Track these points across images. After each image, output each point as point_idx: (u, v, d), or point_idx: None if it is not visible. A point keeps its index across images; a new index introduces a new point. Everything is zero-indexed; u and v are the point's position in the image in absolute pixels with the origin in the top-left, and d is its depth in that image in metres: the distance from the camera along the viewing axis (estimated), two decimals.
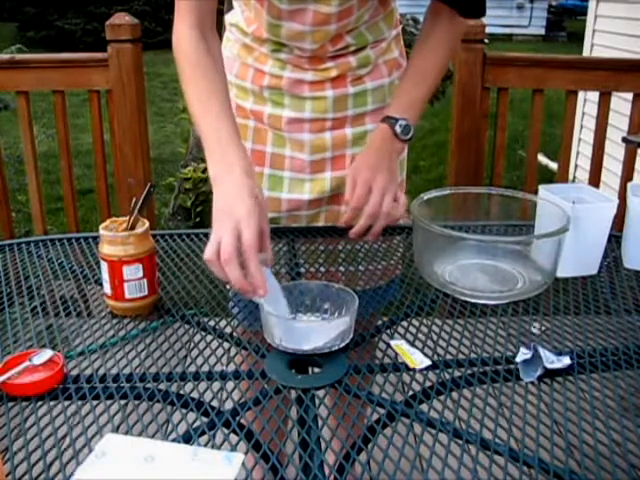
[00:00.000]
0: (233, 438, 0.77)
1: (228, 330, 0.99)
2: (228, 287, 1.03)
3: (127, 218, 1.00)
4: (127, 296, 0.99)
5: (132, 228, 0.99)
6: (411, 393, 0.83)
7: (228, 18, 1.30)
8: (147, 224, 1.00)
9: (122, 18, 2.22)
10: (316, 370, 0.89)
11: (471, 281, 1.08)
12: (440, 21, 1.18)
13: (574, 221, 1.04)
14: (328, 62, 1.21)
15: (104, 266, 0.99)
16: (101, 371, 0.87)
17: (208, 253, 0.89)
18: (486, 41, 2.30)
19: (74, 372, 0.87)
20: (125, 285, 0.98)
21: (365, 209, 1.11)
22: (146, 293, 1.00)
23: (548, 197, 1.11)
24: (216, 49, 1.10)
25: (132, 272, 0.98)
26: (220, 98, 1.03)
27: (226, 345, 0.94)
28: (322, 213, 1.32)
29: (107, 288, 1.00)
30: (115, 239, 0.97)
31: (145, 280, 0.99)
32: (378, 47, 1.25)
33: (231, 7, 1.31)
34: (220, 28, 1.26)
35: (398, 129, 1.15)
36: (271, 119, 1.26)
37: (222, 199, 0.94)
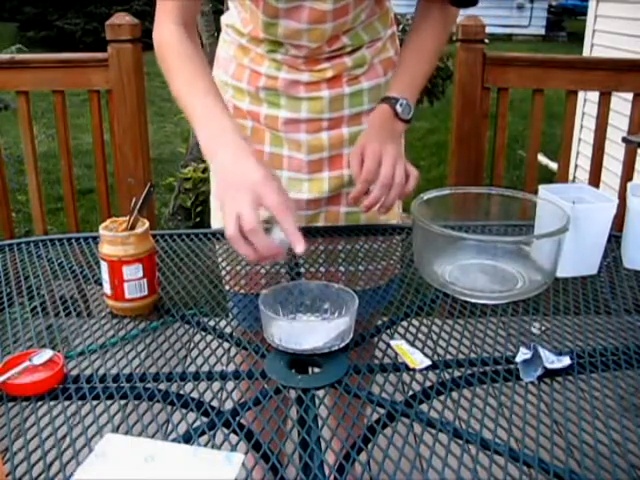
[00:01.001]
0: (233, 438, 0.77)
1: (228, 330, 0.99)
2: (251, 262, 1.03)
3: (127, 218, 1.00)
4: (127, 296, 0.99)
5: (132, 228, 0.99)
6: (411, 393, 0.83)
7: (224, 19, 1.30)
8: (147, 224, 1.00)
9: (122, 18, 2.22)
10: (316, 370, 0.89)
11: (471, 281, 1.08)
12: (432, 9, 1.20)
13: (574, 221, 1.04)
14: (324, 63, 1.21)
15: (104, 266, 0.99)
16: (101, 371, 0.87)
17: (230, 230, 0.87)
18: (486, 41, 2.30)
19: (74, 372, 0.87)
20: (125, 285, 0.98)
21: (378, 180, 1.08)
22: (146, 293, 1.00)
23: (548, 197, 1.11)
24: (199, 47, 1.11)
25: (132, 272, 0.98)
26: (206, 80, 1.03)
27: (226, 345, 0.94)
28: (321, 214, 1.32)
29: (107, 288, 1.00)
30: (115, 239, 0.97)
31: (145, 280, 0.99)
32: (374, 47, 1.25)
33: (227, 8, 1.30)
34: (217, 29, 1.26)
35: (399, 108, 1.14)
36: (267, 120, 1.26)
37: (225, 171, 0.92)
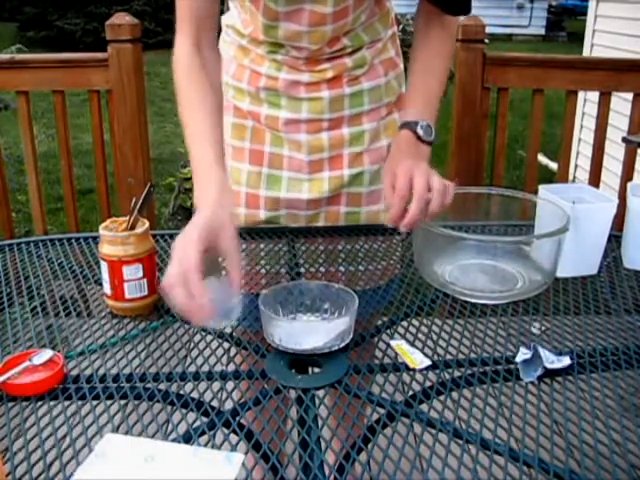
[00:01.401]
0: (233, 438, 0.77)
1: (228, 330, 0.99)
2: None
3: (127, 218, 1.00)
4: (127, 296, 0.99)
5: (132, 228, 0.99)
6: (411, 393, 0.83)
7: (224, 20, 1.30)
8: (147, 224, 1.00)
9: (122, 18, 2.22)
10: (316, 370, 0.89)
11: (471, 281, 1.08)
12: (433, 22, 1.19)
13: (574, 221, 1.04)
14: (324, 63, 1.21)
15: (104, 266, 0.99)
16: (101, 371, 0.87)
17: (172, 268, 0.84)
18: (486, 41, 2.30)
19: (74, 372, 0.87)
20: (125, 285, 0.98)
21: (414, 195, 1.02)
22: (146, 293, 1.00)
23: (548, 197, 1.11)
24: (212, 64, 1.09)
25: (132, 272, 0.98)
26: (207, 121, 1.02)
27: (226, 345, 0.95)
28: (321, 214, 1.32)
29: (107, 288, 1.00)
30: (115, 239, 0.97)
31: (145, 280, 0.99)
32: (374, 47, 1.25)
33: (227, 8, 1.31)
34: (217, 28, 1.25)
35: (420, 131, 1.12)
36: (268, 120, 1.26)
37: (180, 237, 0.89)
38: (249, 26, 1.22)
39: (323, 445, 0.76)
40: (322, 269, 1.18)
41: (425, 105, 1.16)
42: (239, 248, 0.91)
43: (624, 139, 2.28)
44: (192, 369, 0.89)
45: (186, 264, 0.83)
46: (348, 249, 1.26)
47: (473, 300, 1.05)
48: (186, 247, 0.85)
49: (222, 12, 1.26)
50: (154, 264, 1.02)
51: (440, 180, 1.04)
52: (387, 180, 1.08)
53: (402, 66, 1.34)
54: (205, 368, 0.89)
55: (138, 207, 0.99)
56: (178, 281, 0.82)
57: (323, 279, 1.13)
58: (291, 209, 1.31)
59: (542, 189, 1.15)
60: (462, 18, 2.35)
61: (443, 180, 1.05)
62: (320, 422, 0.79)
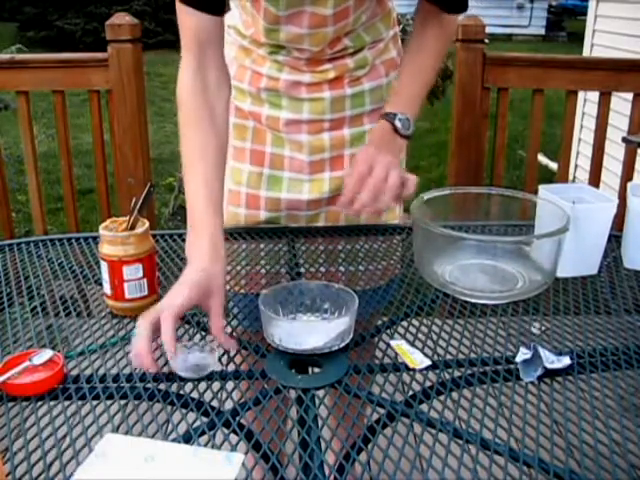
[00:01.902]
0: (233, 438, 0.77)
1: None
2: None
3: (127, 218, 1.00)
4: (127, 296, 0.99)
5: (132, 228, 0.99)
6: (411, 393, 0.83)
7: (226, 20, 1.30)
8: (147, 224, 1.00)
9: (122, 18, 2.22)
10: (316, 370, 0.89)
11: (471, 281, 1.08)
12: (430, 20, 1.18)
13: (574, 221, 1.04)
14: (325, 64, 1.21)
15: (104, 266, 0.99)
16: (101, 371, 0.87)
17: (150, 311, 0.88)
18: (486, 41, 2.30)
19: (74, 372, 0.87)
20: (125, 285, 0.98)
21: (368, 181, 1.05)
22: (146, 293, 1.00)
23: (548, 197, 1.11)
24: (216, 90, 1.07)
25: (132, 272, 0.98)
26: (207, 161, 1.01)
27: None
28: (322, 214, 1.32)
29: (107, 288, 1.00)
30: (115, 239, 0.97)
31: (145, 280, 0.99)
32: (376, 48, 1.25)
33: (229, 8, 1.30)
34: None
35: (398, 123, 1.12)
36: (269, 120, 1.26)
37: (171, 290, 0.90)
38: (250, 27, 1.22)
39: (323, 445, 0.76)
40: (322, 269, 1.18)
41: (408, 100, 1.16)
42: (223, 311, 0.91)
43: (624, 139, 2.28)
44: None
45: (167, 312, 0.85)
46: (348, 249, 1.26)
47: (473, 300, 1.05)
48: (174, 297, 0.87)
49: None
50: (154, 264, 1.02)
51: (399, 174, 1.07)
52: (351, 167, 1.11)
53: None
54: None
55: (138, 207, 0.99)
56: (152, 322, 0.85)
57: (323, 279, 1.13)
58: (291, 210, 1.31)
59: (542, 189, 1.15)
60: (461, 17, 2.36)
61: (405, 174, 1.08)
62: (320, 422, 0.79)
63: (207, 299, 0.90)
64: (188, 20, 1.04)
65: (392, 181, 1.05)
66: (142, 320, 0.86)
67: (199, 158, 1.01)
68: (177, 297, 0.87)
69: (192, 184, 1.00)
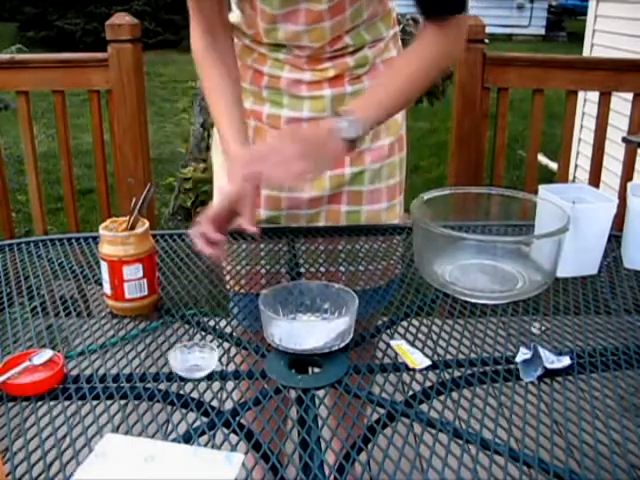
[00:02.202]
0: (233, 438, 0.77)
1: (228, 330, 0.99)
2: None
3: (127, 218, 1.00)
4: (127, 296, 0.99)
5: (132, 228, 0.99)
6: (411, 393, 0.83)
7: (231, 18, 1.30)
8: (147, 224, 1.00)
9: (122, 18, 2.22)
10: (316, 370, 0.89)
11: (471, 281, 1.08)
12: (424, 28, 1.10)
13: (574, 221, 1.04)
14: (326, 62, 1.22)
15: (104, 266, 0.99)
16: (101, 371, 0.87)
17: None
18: (486, 41, 2.30)
19: (74, 372, 0.87)
20: (125, 285, 0.98)
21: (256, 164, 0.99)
22: (146, 293, 1.00)
23: (548, 197, 1.11)
24: (224, 44, 1.20)
25: (132, 272, 0.98)
26: (223, 91, 1.17)
27: (226, 345, 0.94)
28: (322, 213, 1.32)
29: (107, 288, 1.00)
30: (115, 239, 0.97)
31: (145, 280, 0.99)
32: (376, 47, 1.25)
33: (231, 9, 1.31)
34: None
35: (341, 123, 0.99)
36: (270, 119, 1.26)
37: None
38: (251, 27, 1.23)
39: (323, 445, 0.76)
40: (322, 269, 1.18)
41: (367, 104, 1.07)
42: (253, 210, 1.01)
43: (624, 139, 2.28)
44: None
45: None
46: (348, 249, 1.26)
47: (473, 300, 1.05)
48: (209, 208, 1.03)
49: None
50: (154, 264, 1.02)
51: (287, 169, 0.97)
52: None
53: None
54: None
55: (138, 207, 0.99)
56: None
57: (323, 279, 1.13)
58: (292, 209, 1.31)
59: (542, 189, 1.15)
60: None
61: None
62: (320, 422, 0.79)
63: (237, 199, 1.00)
64: None
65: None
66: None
67: (218, 91, 1.17)
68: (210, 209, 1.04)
69: (215, 113, 1.17)
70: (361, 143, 1.06)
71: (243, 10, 1.22)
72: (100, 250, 0.99)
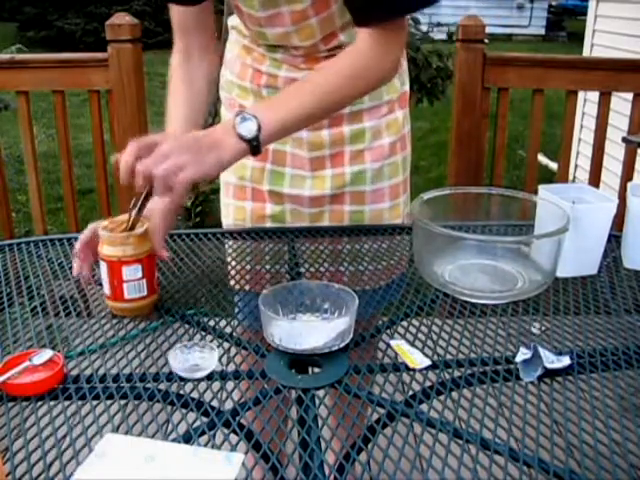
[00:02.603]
0: (233, 438, 0.77)
1: (228, 330, 0.99)
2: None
3: (126, 218, 1.00)
4: (126, 296, 0.99)
5: (132, 228, 0.99)
6: (411, 393, 0.83)
7: (230, 21, 1.32)
8: (146, 224, 1.00)
9: (122, 18, 2.22)
10: (316, 370, 0.89)
11: (471, 281, 1.08)
12: (356, 43, 1.06)
13: (574, 221, 1.04)
14: (322, 61, 1.21)
15: (103, 266, 0.99)
16: (101, 371, 0.87)
17: None
18: (486, 41, 2.30)
19: (74, 372, 0.87)
20: (124, 285, 0.98)
21: (136, 166, 0.91)
22: (145, 293, 1.00)
23: (548, 197, 1.11)
24: (198, 66, 1.24)
25: (131, 272, 0.98)
26: (182, 111, 1.23)
27: (226, 345, 0.94)
28: (326, 213, 1.33)
29: (106, 288, 1.00)
30: (114, 239, 0.97)
31: (144, 280, 0.99)
32: None
33: (231, 11, 1.32)
34: (221, 30, 1.28)
35: (237, 119, 0.96)
36: None
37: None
38: (247, 29, 1.24)
39: (323, 445, 0.76)
40: (322, 269, 1.18)
41: (270, 107, 1.04)
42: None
43: (624, 139, 2.29)
44: None
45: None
46: (348, 249, 1.26)
47: (473, 300, 1.05)
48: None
49: (222, 12, 1.27)
50: (154, 264, 1.02)
51: (171, 167, 0.91)
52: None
53: (405, 64, 1.34)
54: None
55: (138, 207, 0.99)
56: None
57: (323, 279, 1.13)
58: (295, 204, 1.31)
59: (542, 189, 1.15)
60: (462, 18, 2.36)
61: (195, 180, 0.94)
62: (320, 422, 0.79)
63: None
64: (173, 11, 1.23)
65: (160, 172, 0.90)
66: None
67: (175, 109, 1.24)
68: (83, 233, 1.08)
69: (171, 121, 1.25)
70: (262, 146, 0.98)
71: (237, 14, 1.24)
72: (99, 251, 0.99)
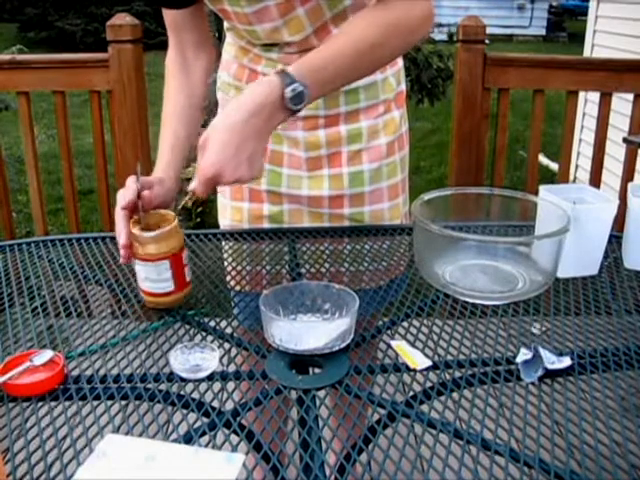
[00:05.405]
0: (234, 438, 0.77)
1: (229, 330, 0.99)
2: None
3: (139, 217, 0.99)
4: (187, 280, 1.03)
5: (147, 227, 0.99)
6: (412, 394, 0.83)
7: (226, 23, 1.31)
8: (172, 214, 1.02)
9: (123, 19, 2.22)
10: (317, 371, 0.89)
11: (471, 281, 1.08)
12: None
13: (575, 221, 1.04)
14: None
15: (163, 265, 0.98)
16: (102, 371, 0.88)
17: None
18: (487, 42, 2.30)
19: (75, 372, 0.87)
20: (185, 270, 1.02)
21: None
22: (189, 279, 1.05)
23: (549, 197, 1.11)
24: (192, 63, 1.26)
25: (185, 258, 1.02)
26: (171, 123, 1.23)
27: (227, 345, 0.94)
28: (325, 215, 1.32)
29: (166, 287, 1.00)
30: (161, 235, 0.97)
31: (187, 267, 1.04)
32: None
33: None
34: (218, 29, 1.28)
35: (289, 93, 0.95)
36: None
37: None
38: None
39: (324, 445, 0.76)
40: (323, 269, 1.18)
41: (315, 71, 1.00)
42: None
43: (625, 139, 2.29)
44: None
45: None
46: (349, 249, 1.26)
47: (474, 301, 1.05)
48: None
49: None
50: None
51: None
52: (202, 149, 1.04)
53: (401, 63, 1.33)
54: None
55: (140, 207, 0.99)
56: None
57: (324, 279, 1.13)
58: (294, 204, 1.31)
59: (543, 189, 1.15)
60: (462, 18, 2.36)
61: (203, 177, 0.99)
62: (321, 422, 0.79)
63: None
64: (165, 13, 1.28)
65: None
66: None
67: (172, 113, 1.24)
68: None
69: (163, 134, 1.21)
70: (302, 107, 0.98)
71: (224, 18, 1.23)
72: (144, 252, 0.97)
